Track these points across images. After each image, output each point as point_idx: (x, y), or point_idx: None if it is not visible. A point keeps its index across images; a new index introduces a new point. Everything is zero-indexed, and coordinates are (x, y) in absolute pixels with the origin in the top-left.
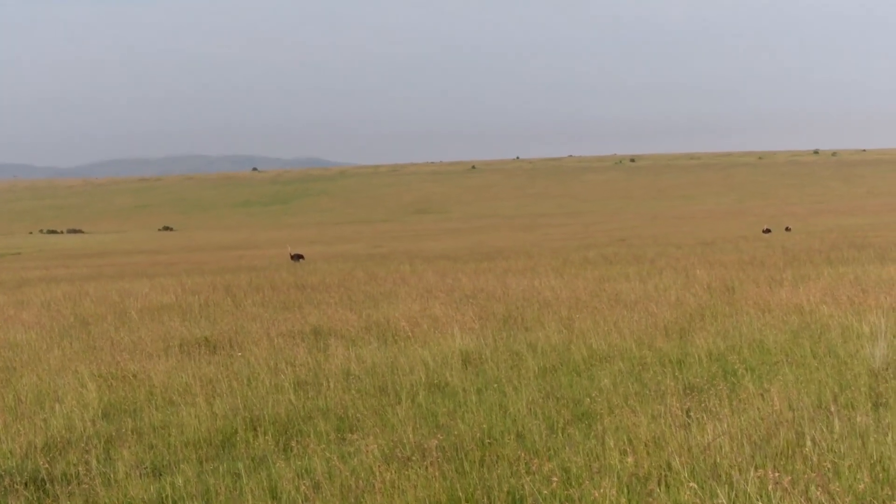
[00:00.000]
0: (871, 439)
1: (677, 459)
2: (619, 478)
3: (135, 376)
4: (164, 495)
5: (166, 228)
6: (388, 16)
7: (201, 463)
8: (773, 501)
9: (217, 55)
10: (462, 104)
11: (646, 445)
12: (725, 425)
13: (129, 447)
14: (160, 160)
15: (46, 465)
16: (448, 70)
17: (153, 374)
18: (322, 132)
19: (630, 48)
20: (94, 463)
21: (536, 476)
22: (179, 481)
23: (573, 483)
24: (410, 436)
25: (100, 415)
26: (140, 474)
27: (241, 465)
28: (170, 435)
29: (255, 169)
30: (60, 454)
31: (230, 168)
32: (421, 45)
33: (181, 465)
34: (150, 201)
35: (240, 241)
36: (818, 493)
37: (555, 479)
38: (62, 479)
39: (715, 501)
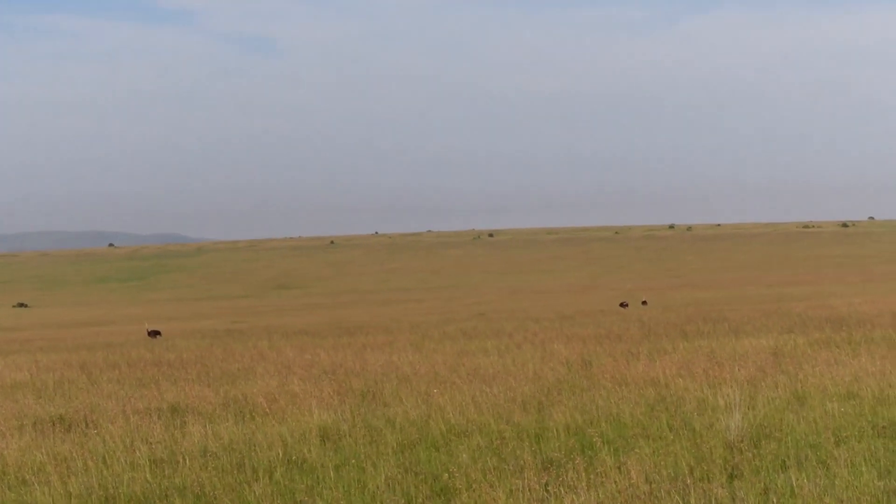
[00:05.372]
0: None
1: None
2: None
3: None
4: None
5: (21, 305)
6: (245, 89)
7: None
8: None
9: (71, 127)
10: (320, 179)
11: None
12: (583, 499)
13: None
14: (14, 236)
15: None
16: (304, 144)
17: (6, 452)
18: (179, 208)
19: (486, 120)
20: None
21: None
22: None
23: None
24: None
25: None
26: None
27: None
28: None
29: (111, 245)
30: None
31: (86, 244)
32: (274, 119)
33: None
34: (5, 277)
35: (97, 317)
36: None
37: None
38: None
39: None
